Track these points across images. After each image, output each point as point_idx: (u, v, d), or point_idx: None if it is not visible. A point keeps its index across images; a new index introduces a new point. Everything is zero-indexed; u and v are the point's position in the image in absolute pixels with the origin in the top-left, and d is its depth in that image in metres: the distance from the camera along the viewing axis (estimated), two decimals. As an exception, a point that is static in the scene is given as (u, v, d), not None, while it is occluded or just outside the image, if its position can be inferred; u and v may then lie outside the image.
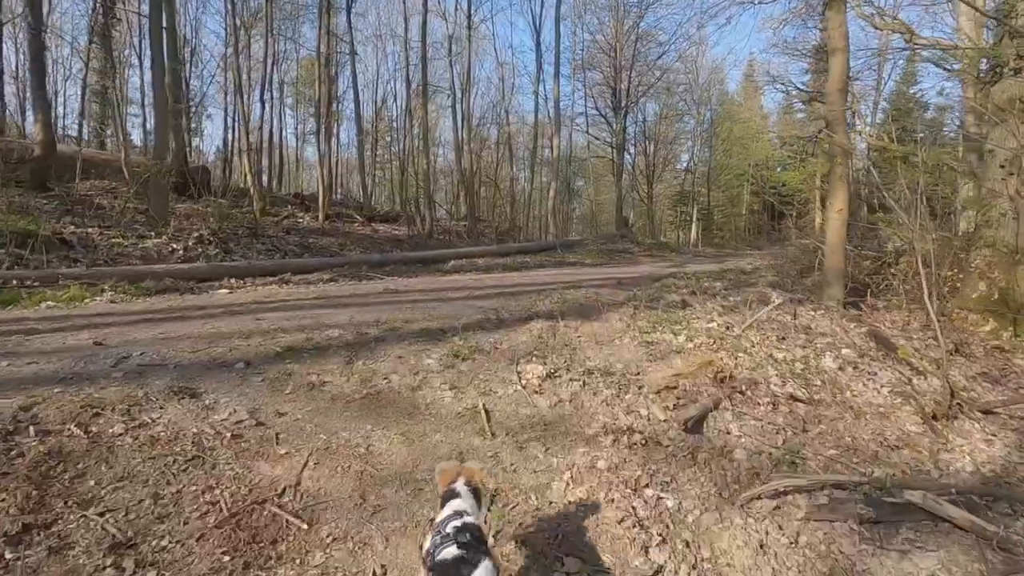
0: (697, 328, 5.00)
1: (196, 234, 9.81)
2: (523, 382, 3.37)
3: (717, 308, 6.32)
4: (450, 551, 1.48)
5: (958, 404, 4.67)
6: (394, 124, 31.24)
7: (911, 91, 36.67)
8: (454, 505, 1.68)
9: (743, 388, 3.43)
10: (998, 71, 7.82)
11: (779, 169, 40.00)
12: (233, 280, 7.66)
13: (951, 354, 6.53)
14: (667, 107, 31.59)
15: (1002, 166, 7.44)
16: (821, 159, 36.00)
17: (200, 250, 9.47)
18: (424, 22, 19.05)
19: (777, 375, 3.91)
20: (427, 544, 1.59)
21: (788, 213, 40.49)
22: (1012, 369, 6.08)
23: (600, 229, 26.62)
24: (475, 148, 22.89)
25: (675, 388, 3.36)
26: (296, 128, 36.87)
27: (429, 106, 23.61)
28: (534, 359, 3.73)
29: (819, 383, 4.05)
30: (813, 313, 7.65)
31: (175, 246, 9.29)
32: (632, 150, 29.75)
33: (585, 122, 28.63)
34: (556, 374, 3.51)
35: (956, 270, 8.02)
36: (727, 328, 5.28)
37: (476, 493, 1.76)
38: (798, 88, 33.42)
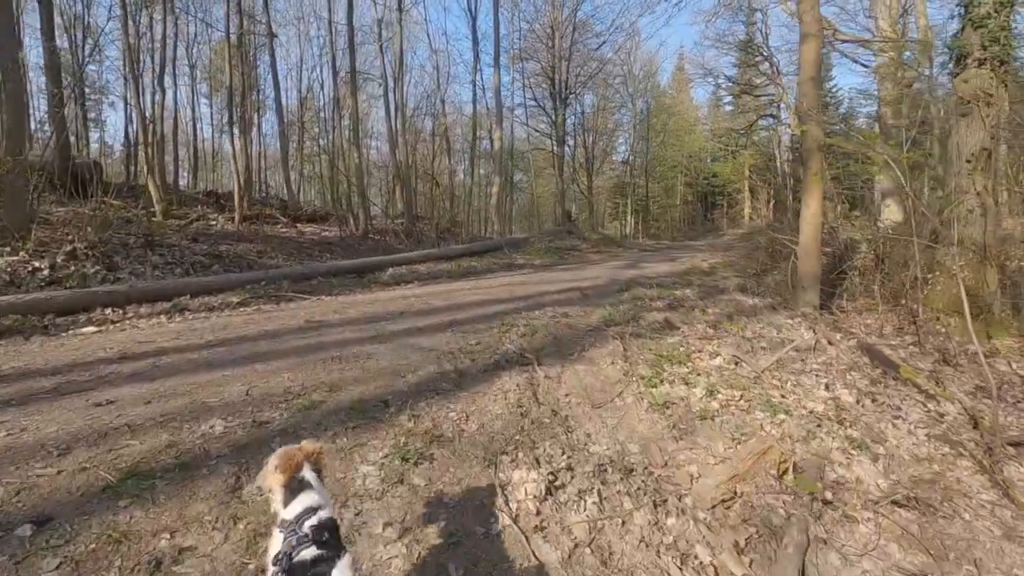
0: (705, 368, 3.96)
1: (69, 247, 7.87)
2: (513, 509, 2.16)
3: (708, 331, 5.35)
4: (309, 552, 1.36)
5: (989, 437, 3.94)
6: (321, 114, 28.96)
7: (827, 85, 37.80)
8: (306, 500, 1.49)
9: (822, 493, 2.38)
10: (962, 62, 7.24)
11: (710, 160, 40.53)
12: (109, 310, 5.95)
13: (939, 364, 5.89)
14: (604, 99, 30.98)
15: (968, 160, 6.89)
16: (751, 151, 36.61)
17: (73, 268, 7.57)
18: (350, 4, 17.18)
19: (838, 448, 2.92)
20: (278, 545, 1.41)
21: (720, 203, 41.22)
22: (1003, 379, 5.47)
23: (542, 223, 25.66)
24: (410, 140, 21.23)
25: (732, 501, 2.26)
26: (213, 119, 33.64)
27: (359, 95, 21.72)
28: (520, 455, 2.53)
29: (882, 451, 3.09)
30: (791, 321, 6.88)
31: (38, 264, 7.35)
32: (572, 142, 28.92)
33: (524, 113, 27.49)
34: (557, 484, 2.33)
35: (924, 270, 7.52)
36: (736, 364, 4.29)
37: (321, 476, 1.62)
38: (730, 82, 33.69)
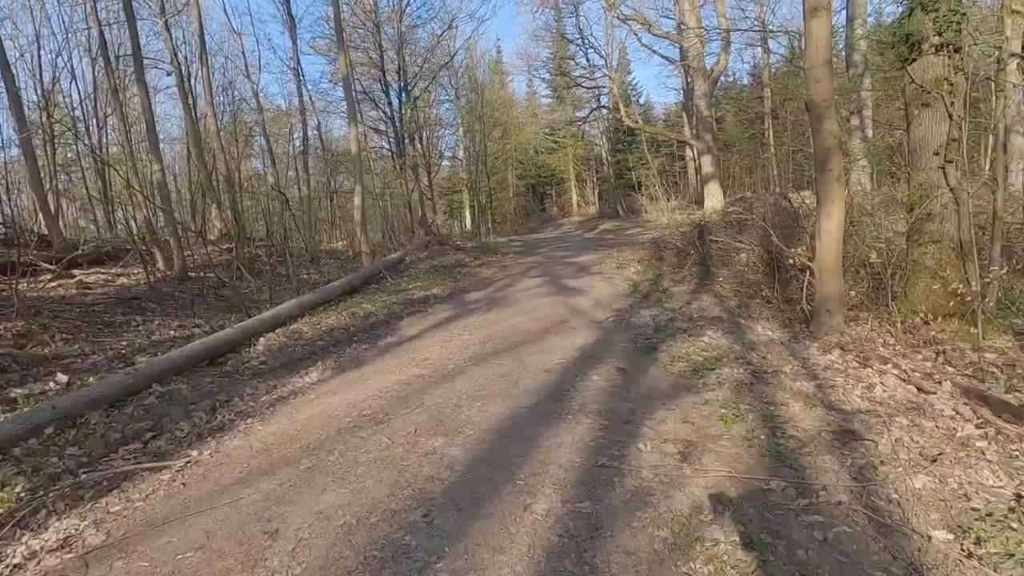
0: None
1: None
2: None
3: (890, 431, 3.48)
4: None
5: None
6: (75, 112, 21.51)
7: (629, 79, 39.86)
8: None
9: None
10: (916, 48, 6.39)
11: (532, 152, 40.34)
12: None
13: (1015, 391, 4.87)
14: (433, 92, 28.33)
15: (936, 153, 6.11)
16: (575, 142, 36.98)
17: None
18: (113, -41, 12.03)
19: None
20: None
21: (550, 194, 41.57)
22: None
23: (394, 235, 22.29)
24: (224, 143, 16.36)
25: None
26: None
27: (133, 87, 16.11)
28: None
29: None
30: (833, 358, 5.46)
31: None
32: (410, 140, 25.76)
33: (357, 110, 23.55)
34: None
35: (900, 270, 6.77)
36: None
37: None
38: (560, 75, 33.39)
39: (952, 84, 5.82)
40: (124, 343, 7.57)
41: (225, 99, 24.45)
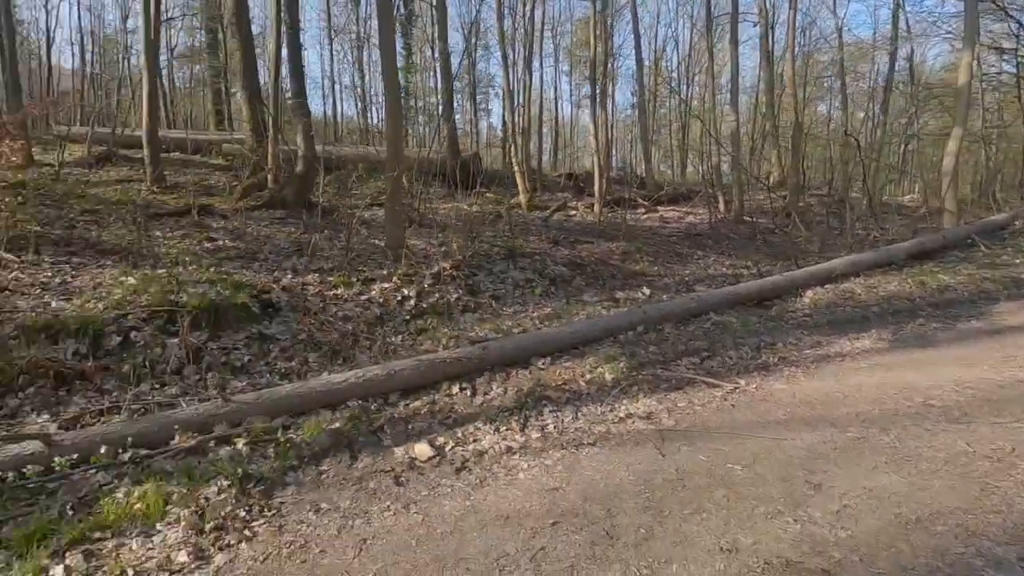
0: None
1: (435, 268, 6.86)
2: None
3: None
4: None
5: None
6: (672, 75, 25.58)
7: None
8: None
9: None
10: None
11: None
12: (456, 390, 4.23)
13: None
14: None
15: None
16: None
17: (437, 297, 6.47)
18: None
19: None
20: None
21: None
22: None
23: (996, 191, 16.75)
24: (794, 87, 16.07)
25: None
26: (571, 95, 34.41)
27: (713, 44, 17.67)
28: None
29: None
30: None
31: (406, 292, 6.43)
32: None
33: (977, 26, 18.35)
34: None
35: None
36: None
37: None
38: None
39: None
40: (687, 272, 8.95)
41: (804, 40, 23.64)
